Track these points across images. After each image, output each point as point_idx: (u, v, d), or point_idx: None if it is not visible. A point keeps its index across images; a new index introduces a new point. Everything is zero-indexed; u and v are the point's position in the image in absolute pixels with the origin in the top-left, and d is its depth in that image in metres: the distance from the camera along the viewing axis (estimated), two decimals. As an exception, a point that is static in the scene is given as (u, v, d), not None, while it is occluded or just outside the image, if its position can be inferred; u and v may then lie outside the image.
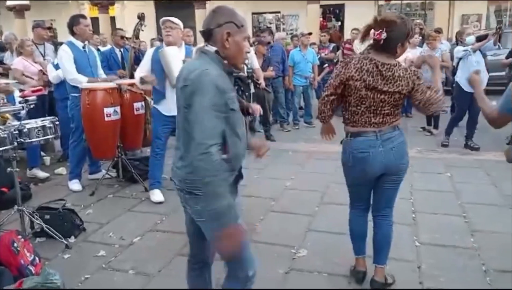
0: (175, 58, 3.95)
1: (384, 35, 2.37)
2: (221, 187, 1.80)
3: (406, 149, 2.62)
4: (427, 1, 15.92)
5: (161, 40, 4.93)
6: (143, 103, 4.77)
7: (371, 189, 2.74)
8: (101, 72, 4.92)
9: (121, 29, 6.63)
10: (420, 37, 7.89)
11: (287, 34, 14.82)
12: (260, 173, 5.20)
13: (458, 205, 4.12)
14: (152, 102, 4.43)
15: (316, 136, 7.26)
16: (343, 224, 3.67)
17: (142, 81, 4.13)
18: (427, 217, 3.86)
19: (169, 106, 4.02)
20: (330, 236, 3.56)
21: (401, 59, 4.82)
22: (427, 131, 7.20)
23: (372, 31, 2.43)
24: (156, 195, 4.32)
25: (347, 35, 12.19)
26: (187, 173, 1.87)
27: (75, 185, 4.75)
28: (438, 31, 7.29)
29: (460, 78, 6.04)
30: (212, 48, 1.89)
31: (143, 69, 4.19)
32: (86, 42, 4.70)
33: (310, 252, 3.30)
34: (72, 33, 4.57)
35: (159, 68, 4.06)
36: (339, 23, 16.95)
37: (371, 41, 2.49)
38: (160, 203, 4.26)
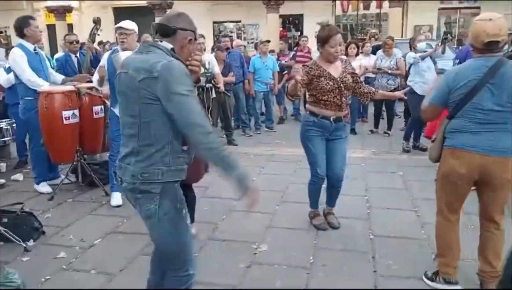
0: None
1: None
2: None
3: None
4: (381, 12, 16.61)
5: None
6: (102, 106, 4.74)
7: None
8: (55, 74, 4.85)
9: (72, 34, 6.44)
10: (370, 46, 8.25)
11: (248, 42, 15.05)
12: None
13: (410, 200, 4.35)
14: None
15: (277, 140, 7.49)
16: (301, 220, 3.85)
17: (100, 82, 4.13)
18: (381, 212, 4.05)
19: None
20: (289, 231, 3.68)
21: (355, 65, 5.22)
22: (384, 133, 7.49)
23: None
24: (115, 198, 4.30)
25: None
26: (145, 167, 1.88)
27: (44, 187, 4.70)
28: (391, 38, 7.64)
29: (412, 81, 6.34)
30: (168, 45, 1.94)
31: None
32: (36, 45, 4.63)
33: (270, 247, 3.41)
34: (22, 35, 4.49)
35: (114, 71, 4.07)
36: (299, 32, 17.35)
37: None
38: (119, 206, 4.24)
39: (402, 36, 13.65)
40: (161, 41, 1.96)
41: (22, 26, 4.48)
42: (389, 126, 7.49)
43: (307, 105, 3.63)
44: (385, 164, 5.68)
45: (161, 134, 1.87)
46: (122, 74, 1.94)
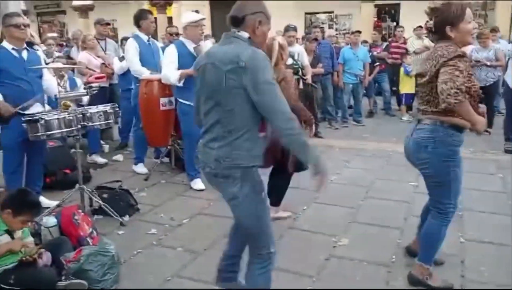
0: None
1: (430, 24, 2.42)
2: (311, 146, 1.96)
3: (431, 145, 2.46)
4: (488, 1, 15.26)
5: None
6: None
7: None
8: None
9: (173, 26, 6.86)
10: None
11: (339, 33, 14.74)
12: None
13: (508, 205, 4.00)
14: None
15: (365, 134, 7.28)
16: (387, 217, 3.73)
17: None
18: (474, 215, 3.79)
19: None
20: (372, 228, 3.59)
21: None
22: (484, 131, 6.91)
23: (425, 24, 2.52)
24: (198, 183, 4.50)
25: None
26: (228, 152, 1.98)
27: (140, 168, 5.09)
28: (495, 29, 7.02)
29: (508, 76, 5.78)
30: (245, 34, 2.02)
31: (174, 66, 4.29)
32: (150, 36, 5.03)
33: (352, 242, 3.35)
34: (138, 26, 4.91)
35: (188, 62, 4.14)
36: (394, 23, 16.60)
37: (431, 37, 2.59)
38: (202, 190, 4.43)
39: (510, 27, 12.46)
40: (238, 31, 2.03)
41: (139, 18, 4.94)
42: (489, 124, 6.90)
43: (447, 118, 2.44)
44: (483, 165, 5.28)
45: (243, 121, 1.97)
46: (208, 65, 2.04)
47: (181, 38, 4.75)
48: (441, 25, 2.41)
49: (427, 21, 2.48)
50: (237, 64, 1.90)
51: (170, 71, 4.23)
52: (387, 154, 5.59)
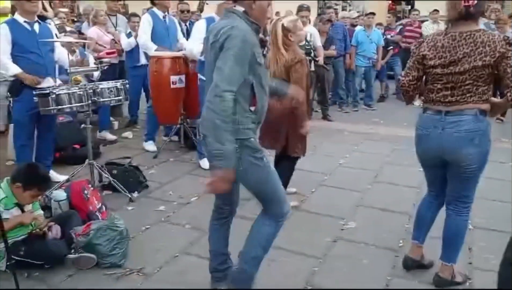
0: None
1: (472, 1, 2.22)
2: (225, 134, 1.90)
3: (477, 138, 2.29)
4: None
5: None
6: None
7: (441, 175, 2.52)
8: (182, 41, 5.13)
9: (184, 3, 6.77)
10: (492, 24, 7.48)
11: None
12: (314, 150, 5.24)
13: (518, 194, 3.97)
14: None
15: (375, 119, 7.22)
16: (395, 202, 3.72)
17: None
18: (483, 203, 3.75)
19: None
20: (380, 212, 3.59)
21: None
22: (497, 119, 6.85)
23: (459, 1, 2.25)
24: (206, 162, 4.49)
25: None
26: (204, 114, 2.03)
27: (150, 146, 5.10)
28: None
29: None
30: (241, 8, 2.05)
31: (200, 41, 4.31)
32: (167, 13, 4.97)
33: (359, 225, 3.35)
34: (153, 2, 4.86)
35: None
36: (409, 6, 16.29)
37: (446, 18, 2.39)
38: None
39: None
40: (234, 6, 2.07)
41: None
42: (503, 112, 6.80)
43: (485, 106, 2.33)
44: (495, 153, 5.18)
45: None
46: (207, 39, 2.13)
47: (212, 14, 4.63)
48: (482, 5, 2.34)
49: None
50: (217, 39, 1.97)
51: (195, 43, 4.18)
52: (397, 139, 5.54)
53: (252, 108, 2.05)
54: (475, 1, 2.23)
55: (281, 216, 2.22)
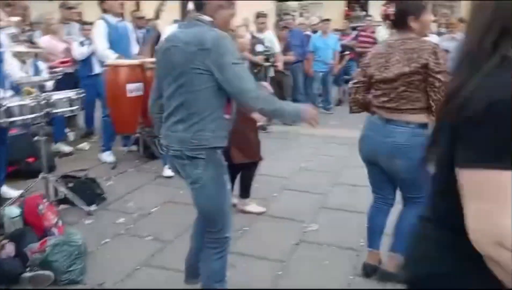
0: None
1: (391, 10, 2.29)
2: (285, 106, 2.06)
3: (412, 152, 2.20)
4: (454, -8, 15.61)
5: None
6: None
7: (386, 177, 2.54)
8: (135, 48, 5.05)
9: (138, 10, 6.66)
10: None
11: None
12: (275, 155, 5.28)
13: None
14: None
15: (333, 122, 7.36)
16: (355, 203, 3.79)
17: None
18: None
19: None
20: (342, 213, 3.65)
21: None
22: None
23: (382, 8, 2.36)
24: (168, 170, 4.43)
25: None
26: (194, 133, 1.98)
27: (107, 156, 4.97)
28: (462, 20, 7.17)
29: None
30: (208, 18, 2.03)
31: None
32: (120, 18, 4.86)
33: (321, 227, 3.40)
34: (103, 10, 4.75)
35: None
36: (364, 12, 16.77)
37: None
38: (172, 177, 4.34)
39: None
40: (200, 15, 2.05)
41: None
42: None
43: (420, 117, 2.32)
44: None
45: (208, 102, 1.98)
46: (171, 48, 2.03)
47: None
48: (404, 13, 2.28)
49: (387, 7, 2.32)
50: (201, 46, 1.92)
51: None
52: (355, 142, 5.62)
53: (227, 116, 2.07)
54: (390, 11, 2.29)
55: (225, 243, 2.20)
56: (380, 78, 2.36)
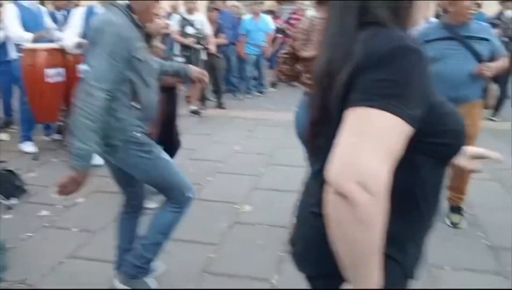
0: None
1: None
2: (91, 134, 1.81)
3: None
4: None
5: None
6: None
7: None
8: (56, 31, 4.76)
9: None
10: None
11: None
12: (209, 138, 5.26)
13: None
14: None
15: (267, 105, 7.41)
16: (287, 182, 3.85)
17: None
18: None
19: None
20: (275, 193, 3.69)
21: None
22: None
23: None
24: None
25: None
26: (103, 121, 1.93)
27: (27, 146, 4.66)
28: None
29: None
30: (123, 3, 1.96)
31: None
32: (32, 1, 4.56)
33: (255, 208, 3.42)
34: None
35: None
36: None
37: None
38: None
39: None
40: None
41: None
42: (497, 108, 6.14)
43: None
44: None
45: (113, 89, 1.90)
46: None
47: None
48: None
49: None
50: (92, 32, 1.89)
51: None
52: (289, 124, 5.69)
53: (136, 105, 1.98)
54: None
55: (183, 202, 2.20)
56: (302, 55, 2.40)
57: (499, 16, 6.93)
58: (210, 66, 6.56)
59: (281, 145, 5.04)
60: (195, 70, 2.48)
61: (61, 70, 4.29)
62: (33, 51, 4.21)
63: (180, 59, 5.89)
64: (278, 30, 8.58)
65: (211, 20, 6.70)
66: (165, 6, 7.59)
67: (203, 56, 6.29)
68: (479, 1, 5.39)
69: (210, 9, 6.92)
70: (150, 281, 2.31)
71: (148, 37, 2.12)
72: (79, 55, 4.48)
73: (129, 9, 1.95)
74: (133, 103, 1.97)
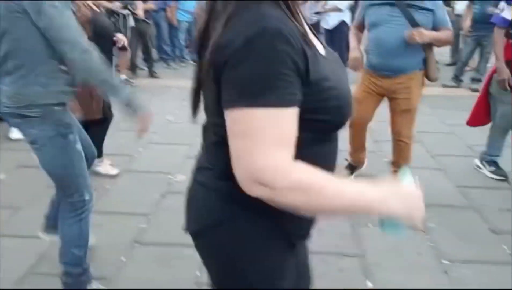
0: None
1: None
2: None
3: None
4: None
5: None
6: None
7: None
8: None
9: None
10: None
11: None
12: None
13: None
14: None
15: (201, 73, 7.27)
16: (219, 148, 3.88)
17: None
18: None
19: None
20: (207, 162, 3.70)
21: None
22: None
23: None
24: (15, 132, 4.00)
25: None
26: (19, 88, 1.76)
27: None
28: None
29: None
30: None
31: None
32: None
33: (187, 177, 3.39)
34: None
35: None
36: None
37: None
38: (21, 140, 3.97)
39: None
40: None
41: None
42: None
43: None
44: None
45: (33, 52, 1.73)
46: None
47: None
48: None
49: None
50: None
51: None
52: (223, 91, 5.72)
53: (64, 67, 1.81)
54: None
55: (83, 205, 2.00)
56: None
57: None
58: (138, 32, 6.35)
59: (215, 113, 5.03)
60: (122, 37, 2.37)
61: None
62: None
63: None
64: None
65: (140, -15, 6.42)
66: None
67: (131, 22, 6.04)
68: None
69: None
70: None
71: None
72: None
73: None
74: (62, 66, 1.80)
